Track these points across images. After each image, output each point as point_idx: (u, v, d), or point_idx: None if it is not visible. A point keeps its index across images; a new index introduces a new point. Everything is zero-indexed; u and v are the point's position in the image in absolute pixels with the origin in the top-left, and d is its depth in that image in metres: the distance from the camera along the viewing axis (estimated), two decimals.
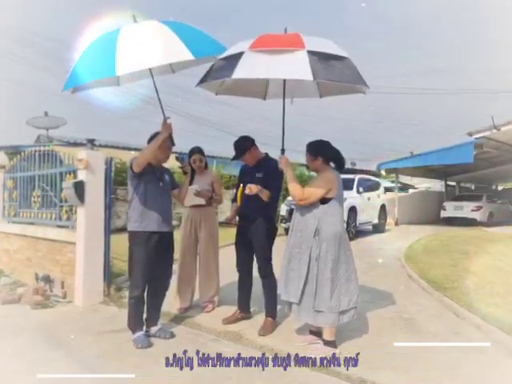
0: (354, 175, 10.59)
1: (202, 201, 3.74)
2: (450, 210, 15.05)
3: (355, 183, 10.08)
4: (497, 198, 17.80)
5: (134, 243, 3.08)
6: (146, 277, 3.08)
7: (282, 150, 2.97)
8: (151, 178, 3.12)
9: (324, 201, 2.84)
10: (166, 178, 3.26)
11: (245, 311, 3.55)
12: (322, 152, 2.92)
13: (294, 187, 2.85)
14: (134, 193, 3.11)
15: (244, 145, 3.33)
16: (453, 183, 20.89)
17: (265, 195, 3.16)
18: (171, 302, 3.75)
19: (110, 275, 4.34)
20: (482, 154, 12.95)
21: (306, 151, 2.99)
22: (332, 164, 3.01)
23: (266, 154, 3.47)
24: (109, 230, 4.31)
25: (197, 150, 3.87)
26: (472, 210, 14.95)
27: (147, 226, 3.06)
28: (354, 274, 2.89)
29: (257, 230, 3.29)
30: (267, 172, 3.23)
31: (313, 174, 3.38)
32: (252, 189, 3.06)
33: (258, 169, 3.33)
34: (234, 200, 3.51)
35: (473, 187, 24.25)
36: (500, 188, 24.76)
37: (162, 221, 3.12)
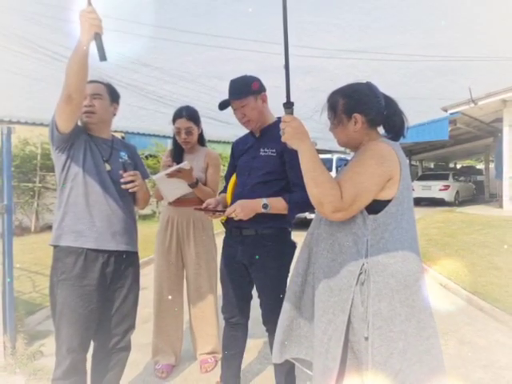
0: (331, 155, 9.63)
1: (187, 189, 2.42)
2: (418, 190, 15.13)
3: (334, 164, 8.97)
4: (459, 176, 18.46)
5: (59, 271, 1.76)
6: (85, 336, 1.77)
7: (288, 104, 1.45)
8: (90, 156, 1.82)
9: (376, 206, 1.39)
10: (121, 159, 1.94)
11: None
12: (364, 105, 1.46)
13: (320, 183, 1.35)
14: (62, 179, 1.82)
15: (249, 84, 1.97)
16: (414, 162, 21.41)
17: (277, 208, 1.88)
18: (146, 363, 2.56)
19: (13, 317, 2.75)
20: (452, 131, 12.92)
21: (327, 108, 1.55)
22: (381, 129, 1.58)
23: (279, 118, 1.83)
24: (9, 234, 2.78)
25: (184, 114, 2.50)
26: (440, 190, 15.23)
27: (80, 238, 1.76)
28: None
29: (261, 256, 1.95)
30: (283, 147, 1.70)
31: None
32: (245, 212, 1.80)
33: (266, 141, 2.00)
34: (224, 191, 2.29)
35: (431, 166, 25.31)
36: (458, 166, 26.12)
37: (114, 232, 1.82)
